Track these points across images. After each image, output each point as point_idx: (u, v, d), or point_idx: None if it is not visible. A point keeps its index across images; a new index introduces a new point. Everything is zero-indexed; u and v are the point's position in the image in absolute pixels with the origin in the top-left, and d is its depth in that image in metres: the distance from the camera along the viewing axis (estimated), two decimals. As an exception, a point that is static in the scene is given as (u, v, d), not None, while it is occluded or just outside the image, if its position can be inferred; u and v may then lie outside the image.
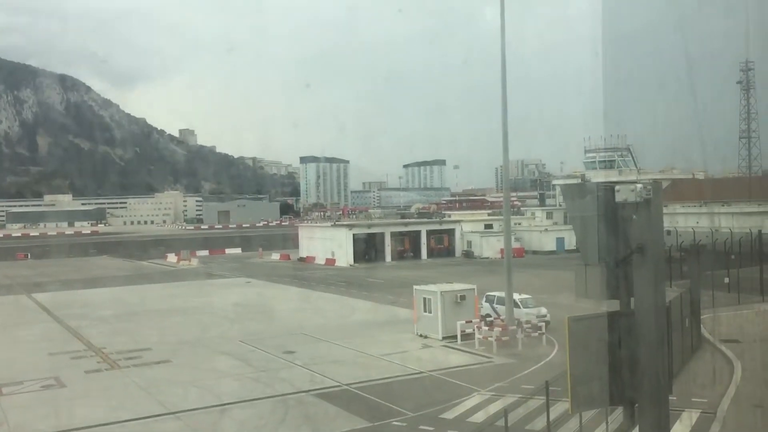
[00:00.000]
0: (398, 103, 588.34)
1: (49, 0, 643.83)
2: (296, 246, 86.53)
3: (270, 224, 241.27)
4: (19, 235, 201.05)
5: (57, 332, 37.66)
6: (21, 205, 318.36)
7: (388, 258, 77.06)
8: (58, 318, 42.18)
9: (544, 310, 33.07)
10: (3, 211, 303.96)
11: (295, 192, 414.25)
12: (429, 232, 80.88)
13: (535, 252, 77.96)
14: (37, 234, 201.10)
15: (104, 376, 27.39)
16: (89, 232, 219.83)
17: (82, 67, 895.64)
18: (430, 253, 79.25)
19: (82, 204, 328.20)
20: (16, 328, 39.69)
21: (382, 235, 78.63)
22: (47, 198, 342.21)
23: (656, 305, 7.20)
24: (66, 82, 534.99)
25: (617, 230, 7.40)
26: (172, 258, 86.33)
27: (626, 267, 7.38)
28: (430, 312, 32.27)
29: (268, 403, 22.86)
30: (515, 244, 67.03)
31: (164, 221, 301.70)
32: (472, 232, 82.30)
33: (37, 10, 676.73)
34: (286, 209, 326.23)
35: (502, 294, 33.38)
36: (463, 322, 30.92)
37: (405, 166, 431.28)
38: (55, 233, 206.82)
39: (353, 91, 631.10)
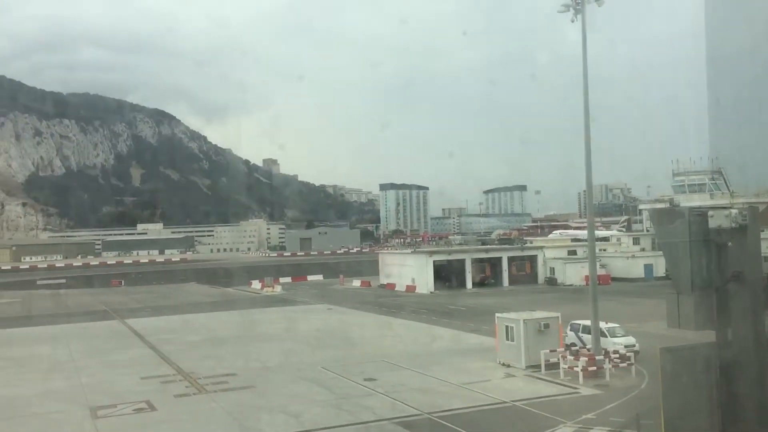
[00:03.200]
0: (478, 128, 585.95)
1: (148, 39, 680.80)
2: (377, 273, 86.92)
3: (350, 251, 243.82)
4: (114, 262, 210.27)
5: (148, 357, 38.98)
6: (116, 234, 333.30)
7: (469, 285, 76.38)
8: (149, 343, 43.68)
9: (632, 340, 31.92)
10: (99, 239, 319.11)
11: (375, 219, 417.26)
12: (510, 259, 79.77)
13: (621, 279, 75.57)
14: (131, 261, 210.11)
15: (192, 400, 28.07)
16: (178, 259, 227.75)
17: (174, 101, 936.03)
18: (512, 280, 78.06)
19: (172, 232, 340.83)
20: (112, 352, 41.26)
21: (463, 261, 78.06)
22: (140, 227, 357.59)
23: (756, 336, 6.83)
24: (158, 116, 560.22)
25: (711, 257, 7.10)
26: (256, 285, 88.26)
27: (722, 296, 7.05)
28: (512, 340, 31.67)
29: (349, 431, 22.87)
30: (601, 271, 65.29)
31: (249, 249, 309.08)
32: (554, 258, 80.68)
33: (137, 48, 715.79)
34: (366, 236, 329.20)
35: (588, 322, 32.42)
36: (547, 351, 30.19)
37: (485, 192, 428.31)
38: (147, 261, 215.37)
39: (432, 118, 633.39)
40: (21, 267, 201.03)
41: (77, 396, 28.94)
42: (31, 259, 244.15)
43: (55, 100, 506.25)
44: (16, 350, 43.08)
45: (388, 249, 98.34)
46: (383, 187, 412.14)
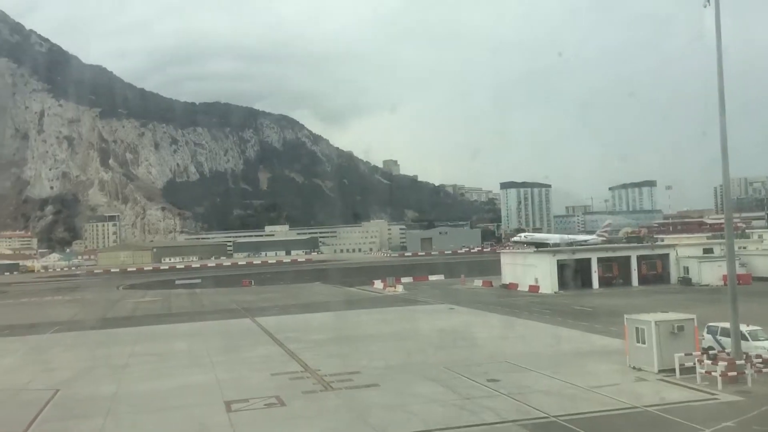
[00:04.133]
0: (602, 122, 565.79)
1: (275, 48, 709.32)
2: (498, 272, 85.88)
3: (471, 251, 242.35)
4: (244, 263, 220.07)
5: (277, 354, 40.46)
6: (245, 236, 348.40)
7: (595, 285, 73.95)
8: (278, 341, 45.35)
9: (776, 344, 29.73)
10: (231, 241, 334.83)
11: (496, 218, 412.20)
12: (640, 258, 76.53)
13: (764, 279, 70.55)
14: (259, 262, 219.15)
15: (319, 396, 28.86)
16: (304, 260, 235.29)
17: (298, 107, 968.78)
18: (642, 280, 74.83)
19: (298, 234, 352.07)
20: (244, 349, 43.18)
21: (588, 260, 75.68)
22: (267, 229, 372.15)
23: None
24: (282, 122, 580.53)
25: None
26: (378, 284, 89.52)
27: None
28: (643, 343, 30.32)
29: (473, 431, 22.71)
30: (740, 270, 61.21)
31: (371, 249, 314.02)
32: (688, 257, 76.54)
33: (264, 58, 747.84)
34: (487, 235, 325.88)
35: (727, 325, 30.46)
36: (682, 354, 28.66)
37: (611, 189, 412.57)
38: (274, 261, 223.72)
39: (553, 113, 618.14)
40: (161, 268, 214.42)
41: (213, 390, 30.49)
42: (169, 260, 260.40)
43: (188, 109, 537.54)
44: (158, 346, 46.01)
45: (510, 248, 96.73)
46: (504, 185, 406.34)
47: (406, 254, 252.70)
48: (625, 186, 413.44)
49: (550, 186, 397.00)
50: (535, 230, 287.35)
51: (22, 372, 38.22)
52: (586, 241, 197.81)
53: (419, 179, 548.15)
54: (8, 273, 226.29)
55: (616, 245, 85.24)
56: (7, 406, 29.69)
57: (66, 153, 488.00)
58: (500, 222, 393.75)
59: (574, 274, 75.07)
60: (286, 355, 39.75)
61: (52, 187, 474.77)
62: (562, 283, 73.32)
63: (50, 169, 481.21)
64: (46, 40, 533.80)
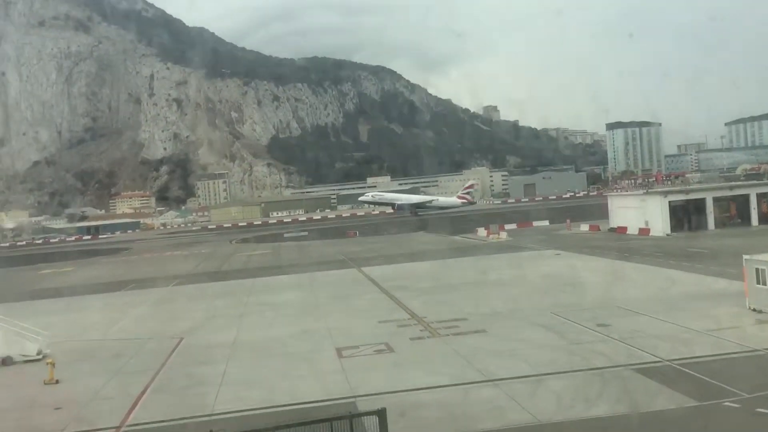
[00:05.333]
0: (716, 54, 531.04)
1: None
2: (605, 216, 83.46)
3: (577, 195, 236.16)
4: (348, 215, 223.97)
5: (384, 302, 41.32)
6: (348, 188, 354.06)
7: (711, 225, 70.57)
8: (384, 289, 46.25)
9: None
10: (334, 194, 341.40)
11: (602, 160, 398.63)
12: (760, 196, 72.16)
13: None
14: (363, 213, 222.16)
15: (427, 343, 29.39)
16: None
17: (395, 57, 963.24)
18: (762, 219, 70.71)
19: (399, 184, 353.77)
20: (352, 298, 44.40)
21: (703, 201, 72.12)
22: (369, 180, 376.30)
23: None
24: (380, 73, 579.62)
25: None
26: (482, 232, 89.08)
27: None
28: (764, 284, 28.89)
29: (583, 376, 22.57)
30: None
31: (472, 197, 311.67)
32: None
33: (361, 9, 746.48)
34: (593, 179, 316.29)
35: None
36: (808, 295, 27.15)
37: (727, 124, 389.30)
38: (377, 212, 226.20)
39: (662, 48, 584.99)
40: (269, 222, 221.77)
41: (324, 337, 31.64)
42: (277, 214, 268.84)
43: (288, 66, 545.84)
44: (271, 296, 48.00)
45: (617, 191, 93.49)
46: (610, 126, 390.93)
47: (509, 201, 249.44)
48: (742, 120, 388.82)
49: (660, 124, 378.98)
50: (645, 171, 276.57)
51: (149, 322, 40.97)
52: (431, 201, 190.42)
53: (520, 124, 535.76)
54: (130, 231, 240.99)
55: (733, 183, 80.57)
56: (140, 353, 32.01)
57: (176, 115, 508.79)
58: (606, 164, 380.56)
59: (687, 216, 71.97)
60: (393, 303, 40.51)
61: (165, 148, 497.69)
62: (675, 225, 70.45)
63: (162, 131, 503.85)
64: (151, 6, 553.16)
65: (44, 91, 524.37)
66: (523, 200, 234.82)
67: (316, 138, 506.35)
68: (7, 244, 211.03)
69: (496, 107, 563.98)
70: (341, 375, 24.81)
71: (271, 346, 31.01)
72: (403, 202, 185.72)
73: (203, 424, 19.32)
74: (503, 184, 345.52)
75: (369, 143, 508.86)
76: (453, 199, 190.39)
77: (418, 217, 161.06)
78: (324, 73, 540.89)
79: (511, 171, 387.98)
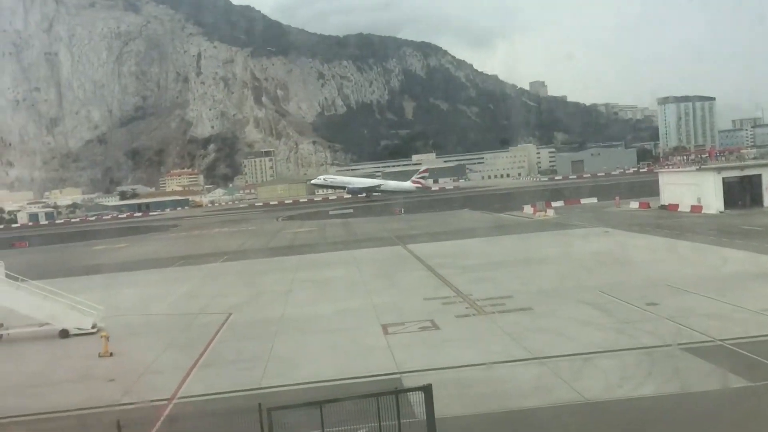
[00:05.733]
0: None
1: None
2: (656, 193, 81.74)
3: (626, 172, 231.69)
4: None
5: (429, 279, 41.33)
6: (393, 166, 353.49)
7: (766, 203, 68.48)
8: (429, 267, 46.24)
9: None
10: (379, 171, 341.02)
11: (653, 136, 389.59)
12: (819, 171, 69.68)
13: None
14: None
15: (472, 320, 29.32)
16: (452, 187, 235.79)
17: (440, 33, 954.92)
18: (822, 196, 68.34)
19: (444, 161, 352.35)
20: (396, 275, 44.49)
21: (759, 177, 69.97)
22: (414, 158, 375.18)
23: None
24: (425, 49, 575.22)
25: None
26: (528, 210, 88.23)
27: None
28: (823, 263, 27.97)
29: (632, 355, 22.23)
30: None
31: (519, 174, 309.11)
32: None
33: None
34: (643, 155, 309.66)
35: None
36: None
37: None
38: (335, 196, 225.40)
39: (716, 20, 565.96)
40: (315, 199, 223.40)
41: (369, 314, 31.83)
42: (322, 191, 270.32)
43: (333, 43, 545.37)
44: (317, 273, 48.47)
45: (668, 167, 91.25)
46: (661, 101, 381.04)
47: (557, 178, 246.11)
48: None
49: (713, 99, 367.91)
50: (698, 147, 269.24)
51: (198, 298, 41.80)
52: (380, 185, 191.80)
53: (568, 99, 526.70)
54: (179, 208, 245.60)
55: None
56: (189, 328, 32.73)
57: (223, 93, 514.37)
58: (657, 140, 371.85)
59: (742, 192, 69.96)
60: (438, 280, 40.49)
61: (212, 127, 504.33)
62: (728, 202, 68.61)
63: (210, 109, 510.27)
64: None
65: (95, 70, 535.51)
66: (570, 177, 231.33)
67: (361, 115, 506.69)
68: (62, 221, 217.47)
69: (543, 83, 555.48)
70: (387, 351, 24.95)
71: (317, 323, 31.35)
72: (354, 186, 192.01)
73: (251, 397, 19.67)
74: (550, 161, 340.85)
75: (414, 120, 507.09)
76: (407, 184, 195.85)
77: (371, 200, 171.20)
78: (369, 50, 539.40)
79: (558, 147, 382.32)
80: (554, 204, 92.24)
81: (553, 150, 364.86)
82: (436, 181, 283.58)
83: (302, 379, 22.26)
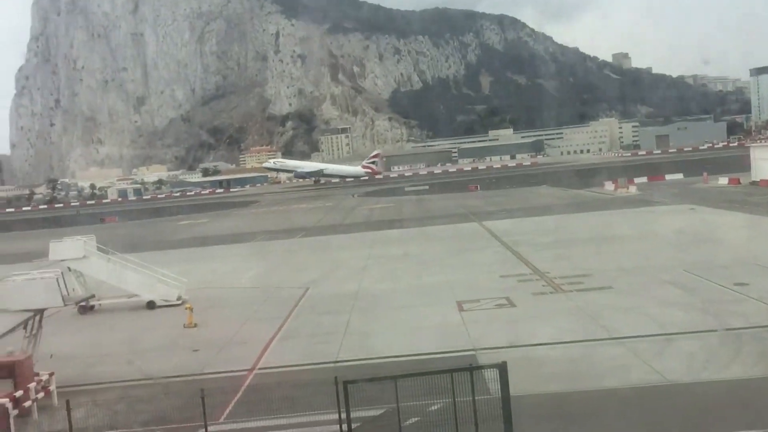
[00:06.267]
0: None
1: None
2: (748, 169, 78.03)
3: (715, 146, 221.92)
4: (469, 168, 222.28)
5: (505, 257, 40.92)
6: (469, 142, 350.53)
7: None
8: (505, 244, 45.78)
9: None
10: (455, 147, 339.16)
11: (745, 109, 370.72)
12: None
13: None
14: (484, 167, 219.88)
15: (549, 298, 28.90)
16: (529, 163, 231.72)
17: (519, 4, 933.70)
18: None
19: (522, 137, 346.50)
20: (472, 252, 44.29)
21: None
22: (491, 133, 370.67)
23: None
24: (504, 22, 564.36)
25: None
26: (609, 186, 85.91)
27: None
28: None
29: (717, 336, 21.46)
30: None
31: (600, 149, 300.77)
32: None
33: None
34: (733, 129, 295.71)
35: None
36: None
37: None
38: (499, 166, 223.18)
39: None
40: (391, 176, 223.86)
41: (445, 290, 31.82)
42: (398, 168, 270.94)
43: (410, 18, 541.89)
44: (393, 249, 48.71)
45: (760, 141, 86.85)
46: (755, 72, 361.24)
47: (640, 153, 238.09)
48: None
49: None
50: None
51: (278, 272, 42.80)
52: (323, 169, 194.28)
53: (654, 71, 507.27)
54: (259, 184, 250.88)
55: None
56: (269, 301, 33.60)
57: (300, 71, 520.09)
58: (749, 113, 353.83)
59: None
60: (515, 257, 40.05)
61: (290, 104, 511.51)
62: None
63: (287, 87, 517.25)
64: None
65: (179, 50, 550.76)
66: (655, 152, 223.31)
67: (438, 91, 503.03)
68: (149, 197, 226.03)
69: (627, 54, 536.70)
70: (462, 328, 24.94)
71: (392, 298, 31.60)
72: (302, 170, 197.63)
73: (328, 370, 20.07)
74: (633, 136, 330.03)
75: (491, 95, 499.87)
76: (357, 168, 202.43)
77: (320, 184, 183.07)
78: (446, 24, 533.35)
79: (642, 121, 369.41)
80: (637, 180, 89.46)
81: (636, 124, 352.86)
82: (513, 157, 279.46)
83: (377, 353, 22.55)
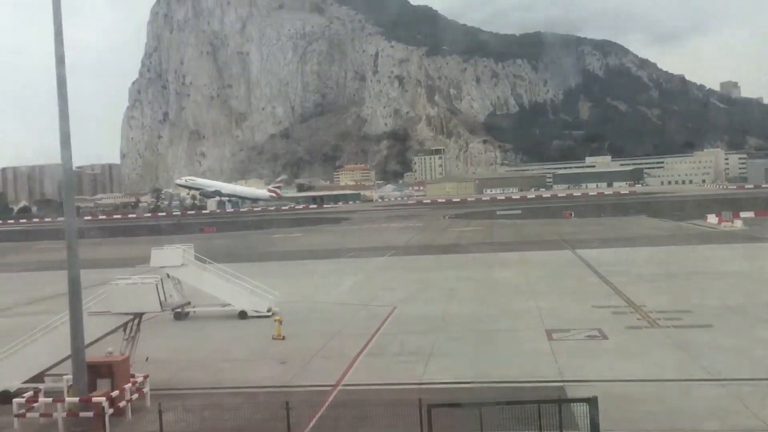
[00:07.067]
0: None
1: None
2: None
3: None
4: (564, 195, 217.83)
5: (599, 287, 39.65)
6: (565, 167, 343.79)
7: None
8: (599, 273, 44.38)
9: None
10: (550, 173, 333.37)
11: None
12: None
13: None
14: (579, 194, 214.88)
15: (644, 333, 27.71)
16: (627, 192, 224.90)
17: (622, 31, 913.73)
18: None
19: (620, 165, 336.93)
20: (564, 280, 43.18)
21: None
22: (588, 160, 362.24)
23: None
24: (605, 47, 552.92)
25: None
26: (712, 219, 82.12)
27: None
28: None
29: (831, 387, 19.95)
30: None
31: (703, 180, 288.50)
32: None
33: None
34: None
35: None
36: None
37: None
38: (595, 193, 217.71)
39: None
40: (483, 199, 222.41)
41: (533, 318, 31.13)
42: (490, 191, 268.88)
43: (509, 42, 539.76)
44: (483, 272, 48.18)
45: None
46: None
47: (747, 186, 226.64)
48: None
49: None
50: None
51: (366, 289, 43.10)
52: (219, 189, 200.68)
53: (765, 102, 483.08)
54: (351, 202, 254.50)
55: None
56: (356, 317, 33.85)
57: (397, 91, 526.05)
58: None
59: None
60: (609, 288, 38.77)
61: (385, 124, 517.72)
62: None
63: (384, 107, 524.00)
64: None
65: (281, 69, 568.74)
66: (764, 186, 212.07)
67: (534, 115, 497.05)
68: (246, 209, 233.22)
69: (736, 83, 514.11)
70: (550, 357, 24.28)
71: (480, 322, 31.18)
72: (207, 189, 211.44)
73: (412, 391, 19.94)
74: (740, 168, 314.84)
75: (589, 121, 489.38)
76: (262, 191, 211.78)
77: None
78: (545, 48, 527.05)
79: (750, 153, 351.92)
80: (743, 215, 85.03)
81: (744, 156, 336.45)
82: (610, 185, 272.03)
83: (462, 377, 22.24)
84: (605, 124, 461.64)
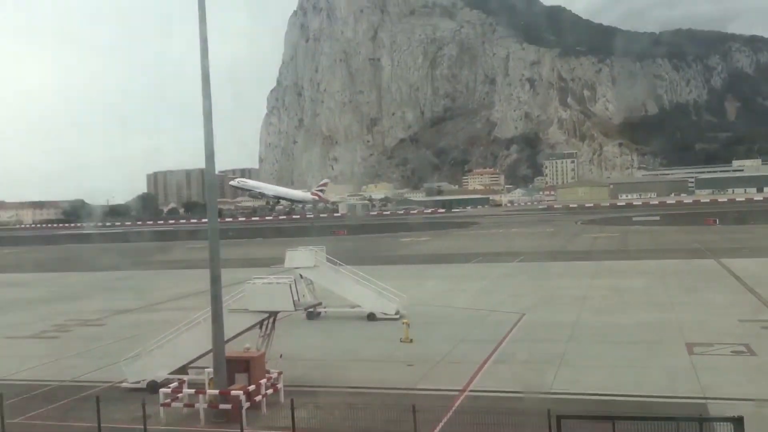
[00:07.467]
0: None
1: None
2: None
3: None
4: (708, 200, 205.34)
5: (747, 299, 37.04)
6: (709, 171, 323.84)
7: None
8: (746, 285, 41.46)
9: None
10: (692, 177, 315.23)
11: None
12: None
13: None
14: (725, 200, 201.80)
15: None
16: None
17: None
18: None
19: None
20: (706, 291, 40.66)
21: None
22: (735, 163, 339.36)
23: None
24: (755, 44, 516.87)
25: None
26: None
27: None
28: None
29: None
30: None
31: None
32: None
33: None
34: None
35: None
36: None
37: None
38: (743, 199, 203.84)
39: None
40: (618, 204, 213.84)
41: (672, 330, 29.53)
42: (626, 196, 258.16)
43: (648, 40, 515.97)
44: (616, 281, 46.30)
45: None
46: None
47: None
48: None
49: None
50: None
51: (492, 295, 42.64)
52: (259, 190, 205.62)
53: None
54: (480, 206, 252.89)
55: None
56: (484, 323, 33.56)
57: (528, 94, 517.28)
58: None
59: None
60: (757, 301, 36.13)
61: (516, 127, 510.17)
62: None
63: (514, 111, 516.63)
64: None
65: (411, 74, 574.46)
66: None
67: (675, 117, 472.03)
68: (375, 213, 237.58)
69: None
70: (690, 372, 22.92)
71: (613, 332, 29.98)
72: (255, 190, 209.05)
73: (541, 401, 19.48)
74: None
75: (737, 122, 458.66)
76: (305, 194, 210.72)
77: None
78: (688, 46, 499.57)
79: None
80: None
81: None
82: (760, 190, 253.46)
83: (594, 389, 21.46)
84: (755, 125, 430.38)
